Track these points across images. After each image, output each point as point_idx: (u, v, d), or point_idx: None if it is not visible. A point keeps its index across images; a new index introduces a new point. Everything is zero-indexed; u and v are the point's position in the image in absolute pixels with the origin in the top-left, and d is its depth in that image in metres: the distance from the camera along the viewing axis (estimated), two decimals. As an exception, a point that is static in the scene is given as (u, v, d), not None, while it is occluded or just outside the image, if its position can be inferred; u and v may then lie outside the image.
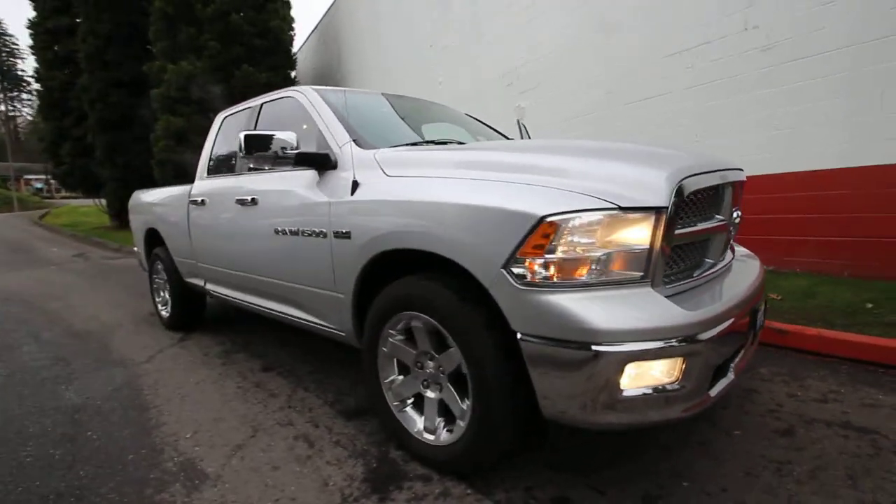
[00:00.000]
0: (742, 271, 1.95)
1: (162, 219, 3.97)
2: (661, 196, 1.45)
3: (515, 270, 1.47)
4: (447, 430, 1.80)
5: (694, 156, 1.74)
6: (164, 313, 4.32)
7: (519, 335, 1.49)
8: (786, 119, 4.20)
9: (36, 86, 17.14)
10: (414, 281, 1.79)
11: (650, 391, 1.41)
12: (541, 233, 1.43)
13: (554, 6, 6.20)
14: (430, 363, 1.85)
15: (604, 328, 1.37)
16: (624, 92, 5.38)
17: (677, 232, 1.54)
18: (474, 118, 3.51)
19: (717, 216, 1.80)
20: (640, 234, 1.45)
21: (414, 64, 9.45)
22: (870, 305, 3.20)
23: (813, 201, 4.13)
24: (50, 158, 16.82)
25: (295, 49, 12.63)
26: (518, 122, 3.57)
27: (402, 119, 2.79)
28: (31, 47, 16.64)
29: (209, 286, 3.50)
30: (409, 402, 1.97)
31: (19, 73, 39.84)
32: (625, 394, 1.40)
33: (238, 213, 2.82)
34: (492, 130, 3.38)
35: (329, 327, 2.35)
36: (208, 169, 3.39)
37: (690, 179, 1.55)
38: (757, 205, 4.25)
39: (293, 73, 12.65)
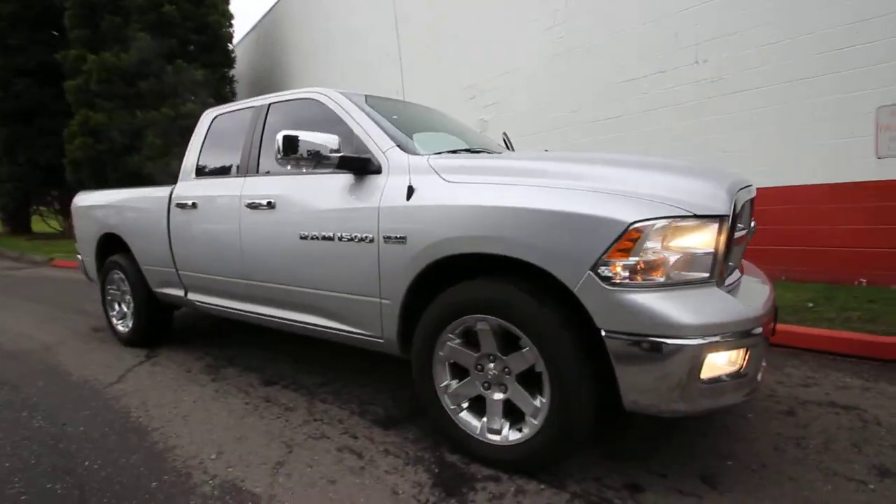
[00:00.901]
0: (752, 278, 2.23)
1: (128, 223, 3.59)
2: (724, 205, 1.64)
3: (602, 272, 1.58)
4: (516, 429, 1.85)
5: (734, 174, 1.97)
6: (120, 328, 3.89)
7: (603, 332, 1.60)
8: (726, 143, 4.78)
9: None
10: (486, 284, 1.83)
11: (724, 378, 1.58)
12: (628, 237, 1.56)
13: (520, 31, 6.53)
14: (492, 365, 1.90)
15: (687, 323, 1.52)
16: (586, 112, 5.79)
17: (724, 238, 1.75)
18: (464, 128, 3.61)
19: (742, 227, 2.05)
20: (707, 239, 1.62)
21: (369, 71, 9.38)
22: (811, 304, 3.74)
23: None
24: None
25: (231, 47, 11.99)
26: (504, 135, 3.73)
27: (420, 124, 2.82)
28: None
29: (192, 296, 3.23)
30: (466, 405, 1.99)
31: None
32: (704, 382, 1.55)
33: (248, 217, 2.66)
34: (492, 140, 3.49)
35: (364, 335, 2.29)
36: (197, 170, 3.14)
37: (740, 193, 1.77)
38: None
39: (231, 72, 12.00)
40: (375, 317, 2.21)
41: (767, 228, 4.67)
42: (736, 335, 1.57)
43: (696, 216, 1.59)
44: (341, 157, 2.16)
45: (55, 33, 11.97)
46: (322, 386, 2.85)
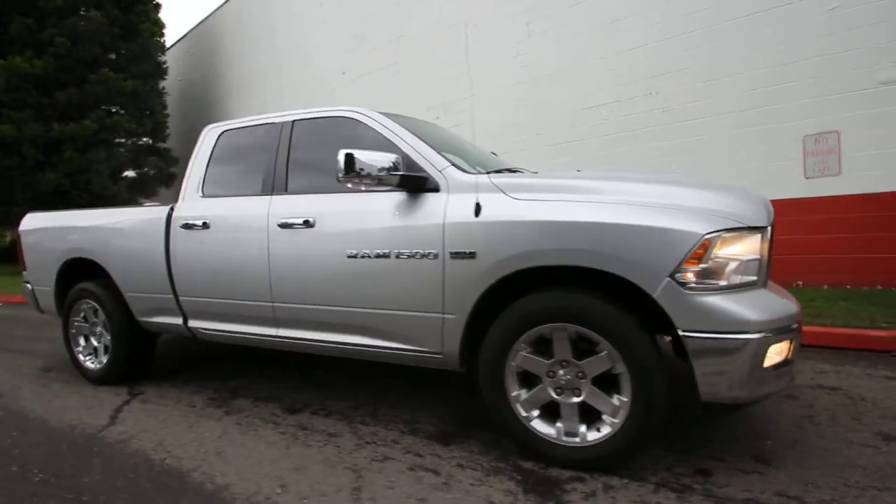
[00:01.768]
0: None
1: (107, 246, 3.25)
2: (765, 218, 1.92)
3: (679, 278, 1.77)
4: (594, 429, 1.97)
5: (760, 193, 2.28)
6: (89, 364, 3.49)
7: (681, 332, 1.79)
8: (675, 166, 5.39)
9: None
10: (564, 294, 1.95)
11: (778, 366, 1.83)
12: (700, 246, 1.77)
13: (485, 57, 6.87)
14: (562, 371, 2.01)
15: (753, 319, 1.75)
16: (550, 135, 6.21)
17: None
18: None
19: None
20: (756, 247, 1.88)
21: (321, 89, 9.27)
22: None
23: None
24: None
25: (163, 57, 11.22)
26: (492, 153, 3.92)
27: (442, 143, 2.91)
28: None
29: (195, 324, 2.99)
30: (537, 412, 2.08)
31: None
32: (765, 370, 1.79)
33: (279, 237, 2.56)
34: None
35: (419, 352, 2.30)
36: (203, 189, 2.95)
37: (771, 208, 2.07)
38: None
39: (162, 84, 11.21)
40: (436, 332, 2.23)
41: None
42: (784, 329, 1.83)
43: (748, 227, 1.85)
44: (402, 176, 2.19)
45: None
46: (353, 409, 2.77)
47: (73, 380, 3.57)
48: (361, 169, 2.13)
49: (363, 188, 2.22)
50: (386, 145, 2.42)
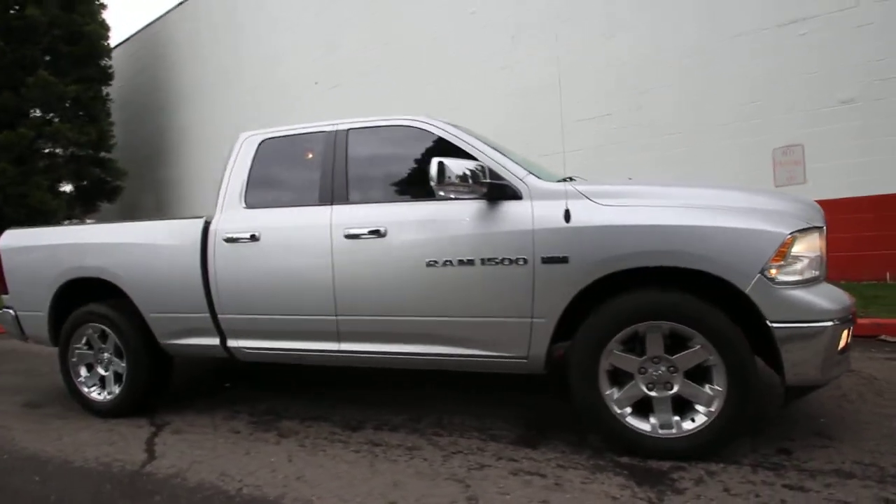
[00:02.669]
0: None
1: (126, 263, 2.97)
2: (822, 219, 2.17)
3: (767, 274, 1.95)
4: (689, 420, 2.09)
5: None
6: (95, 396, 3.16)
7: (769, 322, 1.96)
8: (660, 176, 5.82)
9: None
10: (659, 293, 2.07)
11: (843, 351, 2.05)
12: (784, 245, 1.96)
13: (472, 68, 7.03)
14: (655, 366, 2.12)
15: (829, 308, 1.97)
16: (541, 146, 6.45)
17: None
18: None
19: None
20: (818, 244, 2.11)
21: (288, 96, 9.00)
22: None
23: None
24: None
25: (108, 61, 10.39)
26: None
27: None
28: None
29: (236, 343, 2.82)
30: (629, 409, 2.17)
31: None
32: (837, 354, 2.01)
33: (346, 248, 2.49)
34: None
35: (502, 357, 2.33)
36: (246, 200, 2.80)
37: (822, 210, 2.33)
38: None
39: (106, 91, 10.35)
40: (522, 337, 2.27)
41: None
42: (848, 317, 2.07)
43: (814, 227, 2.08)
44: (490, 184, 2.23)
45: None
46: (415, 422, 2.72)
47: (72, 414, 3.20)
48: (449, 177, 2.15)
49: (452, 196, 2.23)
50: (459, 155, 2.44)
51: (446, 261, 2.33)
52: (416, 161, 2.58)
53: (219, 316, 2.81)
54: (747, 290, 1.97)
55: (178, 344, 2.97)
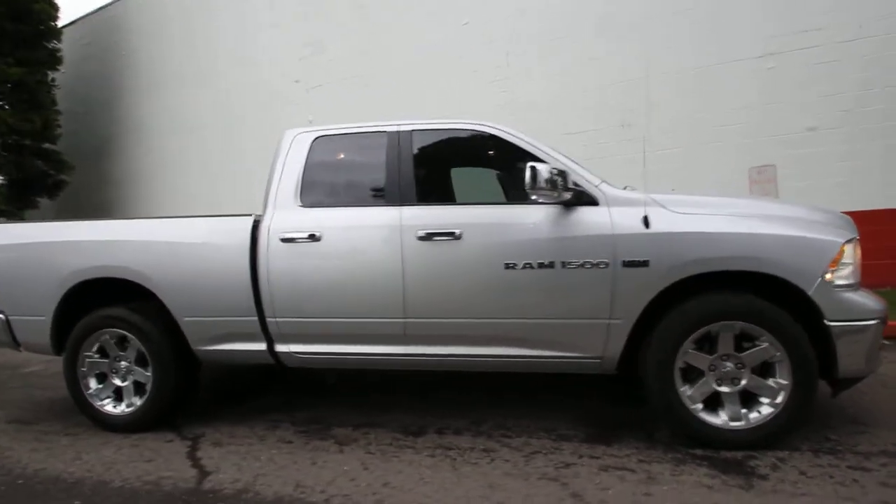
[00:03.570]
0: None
1: (158, 263, 2.73)
2: (854, 231, 2.45)
3: (826, 279, 2.18)
4: (756, 412, 2.26)
5: None
6: (110, 409, 2.89)
7: (826, 320, 2.19)
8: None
9: None
10: (732, 295, 2.24)
11: (881, 347, 2.32)
12: (839, 252, 2.20)
13: (463, 79, 7.12)
14: (724, 363, 2.29)
15: (874, 308, 2.22)
16: (532, 155, 6.67)
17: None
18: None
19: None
20: (856, 253, 2.38)
21: (268, 97, 8.65)
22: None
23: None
24: None
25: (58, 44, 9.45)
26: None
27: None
28: None
29: (289, 347, 2.68)
30: (701, 404, 2.31)
31: None
32: (878, 349, 2.27)
33: (418, 249, 2.46)
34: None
35: (576, 357, 2.41)
36: (302, 198, 2.68)
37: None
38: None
39: (52, 76, 9.40)
40: (599, 337, 2.36)
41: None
42: (885, 317, 2.34)
43: (855, 238, 2.35)
44: (575, 190, 2.31)
45: None
46: (477, 425, 2.71)
47: (79, 430, 2.89)
48: (539, 182, 2.20)
49: (540, 200, 2.29)
50: (523, 160, 2.49)
51: (526, 263, 2.37)
52: (487, 165, 2.62)
53: (268, 319, 2.66)
54: (810, 293, 2.18)
55: (215, 350, 2.77)
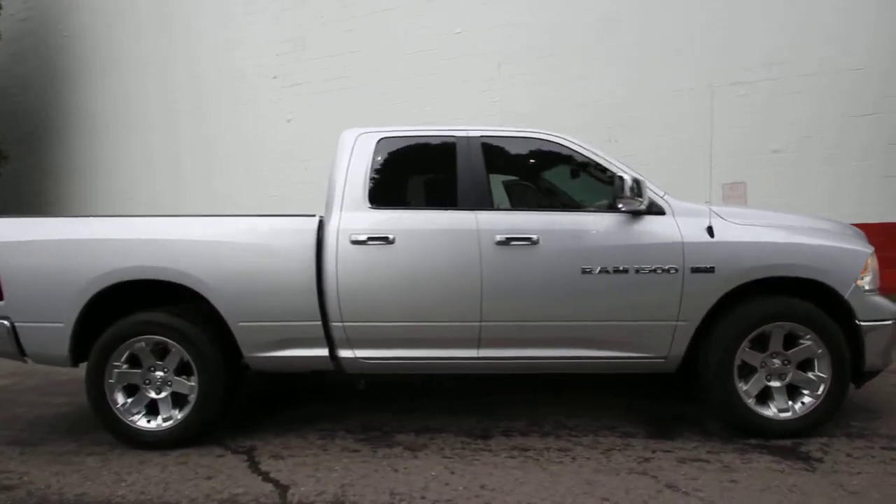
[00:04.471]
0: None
1: (211, 264, 2.53)
2: (870, 245, 2.82)
3: (857, 283, 2.50)
4: (800, 403, 2.53)
5: None
6: (143, 423, 2.63)
7: (858, 320, 2.50)
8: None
9: None
10: (785, 299, 2.49)
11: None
12: (868, 261, 2.54)
13: (453, 88, 7.20)
14: (772, 360, 2.54)
15: (893, 310, 2.58)
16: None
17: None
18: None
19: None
20: (874, 262, 2.74)
21: (241, 90, 8.22)
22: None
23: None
24: None
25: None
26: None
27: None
28: None
29: (354, 353, 2.60)
30: (753, 399, 2.54)
31: None
32: (892, 346, 2.63)
33: (496, 254, 2.49)
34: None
35: (643, 358, 2.56)
36: (370, 200, 2.61)
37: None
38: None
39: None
40: (665, 338, 2.53)
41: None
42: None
43: (873, 249, 2.71)
44: (651, 201, 2.47)
45: None
46: (538, 425, 2.78)
47: (97, 448, 2.62)
48: (627, 190, 2.35)
49: (624, 208, 2.42)
50: (597, 171, 2.65)
51: (602, 268, 2.49)
52: (557, 173, 2.71)
53: (332, 324, 2.56)
54: (846, 296, 2.49)
55: (269, 357, 2.62)
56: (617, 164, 2.66)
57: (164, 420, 2.61)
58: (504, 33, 7.03)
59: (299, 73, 8.01)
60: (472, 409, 3.03)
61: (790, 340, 2.53)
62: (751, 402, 2.52)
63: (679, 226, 2.54)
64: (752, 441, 2.50)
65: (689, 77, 6.30)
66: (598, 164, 2.67)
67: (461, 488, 2.13)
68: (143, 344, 2.59)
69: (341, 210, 2.61)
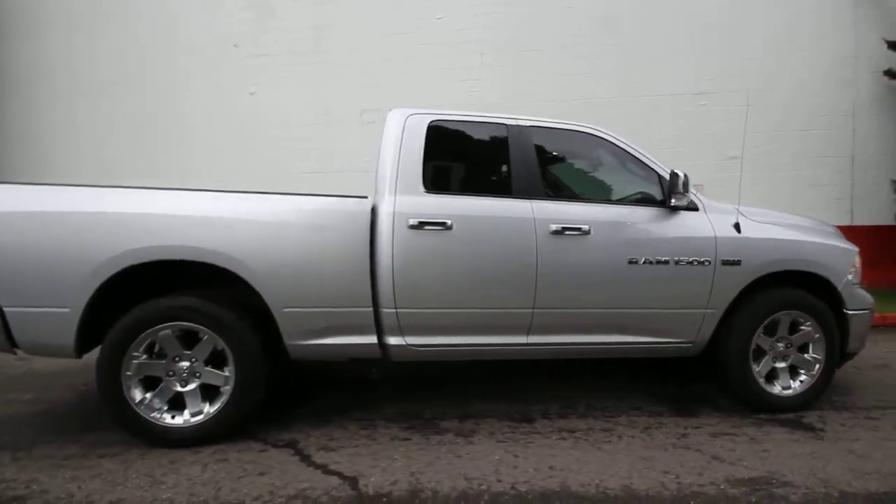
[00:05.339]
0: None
1: (259, 246, 2.33)
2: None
3: (848, 278, 2.88)
4: (798, 381, 2.87)
5: None
6: (169, 420, 2.39)
7: (846, 309, 2.89)
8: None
9: None
10: (792, 290, 2.80)
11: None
12: (856, 257, 2.93)
13: (432, 74, 7.09)
14: (778, 344, 2.86)
15: (871, 300, 3.01)
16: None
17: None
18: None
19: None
20: (858, 259, 3.16)
21: (191, 54, 7.48)
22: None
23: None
24: None
25: None
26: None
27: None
28: None
29: (404, 340, 2.53)
30: (763, 379, 2.84)
31: None
32: (868, 333, 3.07)
33: (551, 243, 2.55)
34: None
35: (673, 343, 2.76)
36: (425, 184, 2.53)
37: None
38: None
39: None
40: (695, 325, 2.75)
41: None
42: (873, 307, 3.15)
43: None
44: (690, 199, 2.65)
45: None
46: (571, 408, 2.89)
47: (111, 450, 2.33)
48: (679, 186, 2.51)
49: (674, 203, 2.58)
50: (636, 166, 2.80)
51: (646, 259, 2.64)
52: (603, 166, 2.82)
53: (383, 310, 2.48)
54: (840, 288, 2.86)
55: (313, 344, 2.47)
56: (654, 160, 2.83)
57: (193, 415, 2.38)
58: (484, 19, 7.04)
59: (261, 46, 7.45)
60: (501, 395, 3.09)
61: (793, 327, 2.87)
62: (762, 381, 2.82)
63: (711, 222, 2.76)
64: (763, 416, 2.80)
65: (658, 84, 6.75)
66: (637, 160, 2.81)
67: (531, 470, 2.18)
68: (168, 332, 2.33)
69: (395, 193, 2.52)
